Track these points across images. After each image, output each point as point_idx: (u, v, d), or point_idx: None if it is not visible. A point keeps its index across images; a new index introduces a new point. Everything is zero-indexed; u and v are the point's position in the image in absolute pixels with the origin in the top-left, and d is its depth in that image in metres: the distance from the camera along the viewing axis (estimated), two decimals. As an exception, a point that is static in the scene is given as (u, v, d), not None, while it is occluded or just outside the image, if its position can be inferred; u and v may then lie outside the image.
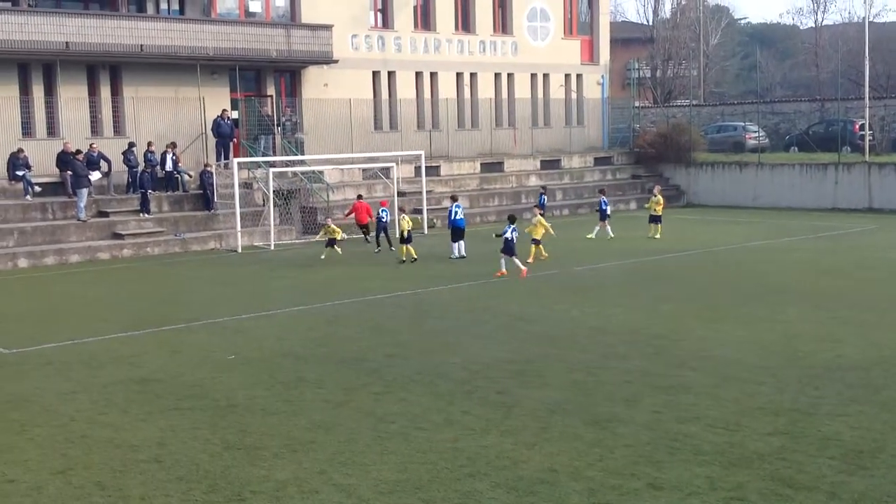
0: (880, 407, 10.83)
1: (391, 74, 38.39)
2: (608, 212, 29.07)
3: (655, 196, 29.04)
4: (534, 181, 39.58)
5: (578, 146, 43.86)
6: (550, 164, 41.32)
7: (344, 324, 16.53)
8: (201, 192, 30.08)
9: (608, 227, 28.67)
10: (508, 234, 21.36)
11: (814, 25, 73.67)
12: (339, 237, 25.66)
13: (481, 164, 39.37)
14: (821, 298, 17.88)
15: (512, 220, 22.06)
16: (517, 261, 21.40)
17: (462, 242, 24.77)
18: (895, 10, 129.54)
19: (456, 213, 24.98)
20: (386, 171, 32.90)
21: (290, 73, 35.79)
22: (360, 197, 29.37)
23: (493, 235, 22.59)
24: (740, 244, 27.07)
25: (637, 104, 50.71)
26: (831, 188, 37.27)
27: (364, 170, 34.49)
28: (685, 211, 38.70)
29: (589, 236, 28.47)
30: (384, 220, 26.54)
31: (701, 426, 10.27)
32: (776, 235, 29.02)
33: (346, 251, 27.07)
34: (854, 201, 36.42)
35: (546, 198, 31.32)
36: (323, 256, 25.11)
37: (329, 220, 26.70)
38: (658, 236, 28.02)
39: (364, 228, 28.35)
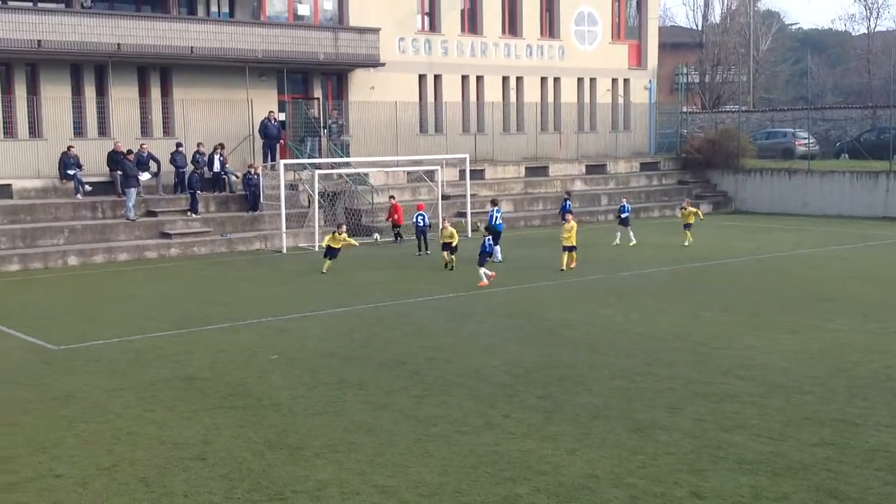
0: (930, 419, 10.62)
1: (437, 78, 38.47)
2: (623, 216, 29.15)
3: (685, 209, 28.83)
4: (579, 186, 39.40)
5: (624, 151, 43.60)
6: (596, 169, 41.11)
7: (386, 326, 16.58)
8: (246, 193, 30.38)
9: (619, 233, 28.69)
10: (486, 244, 21.50)
11: (866, 31, 72.50)
12: (353, 243, 23.62)
13: (526, 168, 39.28)
14: (870, 308, 17.57)
15: (489, 230, 22.22)
16: (483, 270, 21.05)
17: (497, 247, 24.72)
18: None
19: (496, 217, 25.04)
20: (430, 175, 32.95)
21: (336, 75, 36.03)
22: (392, 198, 29.68)
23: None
24: (788, 252, 26.70)
25: (685, 109, 50.27)
26: (882, 196, 36.62)
27: (409, 173, 34.59)
28: (732, 217, 38.25)
29: (615, 243, 28.21)
30: (422, 224, 26.67)
31: (746, 435, 10.14)
32: (825, 243, 28.59)
33: (387, 253, 27.18)
34: (906, 210, 35.76)
35: (571, 203, 30.17)
36: (325, 270, 22.94)
37: (343, 226, 24.19)
38: (686, 243, 27.78)
39: (399, 229, 28.81)
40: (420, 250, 26.62)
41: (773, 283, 21.04)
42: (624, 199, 30.46)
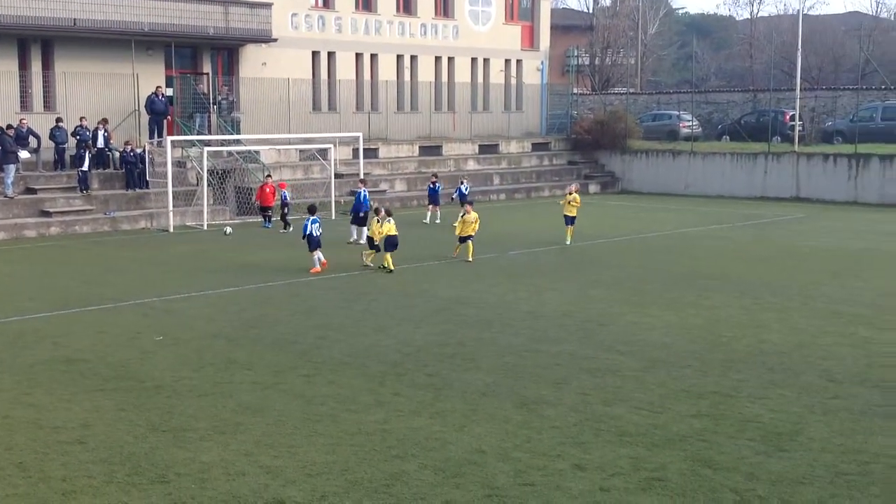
0: (799, 390, 11.13)
1: (331, 55, 38.11)
2: (461, 195, 29.17)
3: (572, 194, 24.61)
4: (472, 165, 39.70)
5: (517, 131, 44.09)
6: (488, 149, 41.46)
7: (276, 305, 16.43)
8: (125, 170, 29.41)
9: (438, 212, 28.84)
10: (310, 229, 19.63)
11: (749, 17, 74.94)
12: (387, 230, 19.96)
13: (420, 147, 39.34)
14: (747, 285, 18.27)
15: (312, 210, 20.30)
16: (319, 254, 19.78)
17: (364, 229, 23.54)
18: (828, 4, 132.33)
19: (363, 197, 24.30)
20: (323, 153, 32.69)
21: (227, 51, 35.30)
22: (268, 176, 29.22)
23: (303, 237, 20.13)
24: (671, 231, 27.49)
25: (575, 91, 51.10)
26: (761, 177, 38.05)
27: (301, 151, 34.22)
28: (620, 197, 39.17)
29: (424, 221, 28.54)
30: (286, 199, 27.20)
31: (626, 408, 10.45)
32: (706, 223, 29.55)
33: (274, 234, 26.90)
34: (782, 190, 37.26)
35: (441, 187, 29.92)
36: (371, 262, 20.36)
37: (382, 210, 20.77)
38: (569, 241, 24.11)
39: (268, 211, 28.41)
40: (287, 227, 26.87)
41: (656, 261, 21.65)
42: (464, 180, 30.76)
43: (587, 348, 13.25)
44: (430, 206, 29.73)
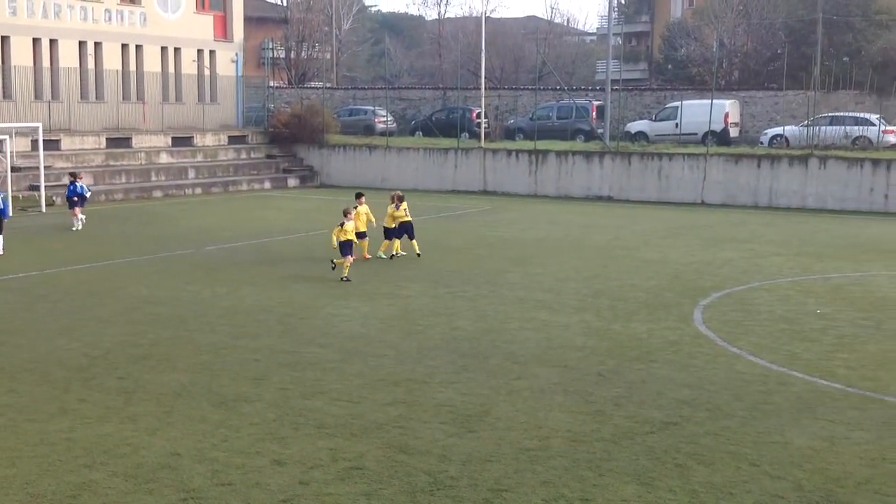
0: (487, 374, 11.79)
1: (4, 39, 35.26)
2: (77, 199, 25.29)
3: (403, 202, 21.20)
4: (165, 158, 38.26)
5: (212, 124, 43.02)
6: (182, 142, 40.14)
7: (-57, 311, 14.97)
8: None
9: (79, 215, 25.28)
10: None
11: (437, 17, 78.09)
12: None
13: (107, 139, 37.31)
14: (440, 274, 19.04)
15: None
16: None
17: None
18: (509, 7, 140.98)
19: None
20: (-3, 144, 30.13)
21: None
22: None
23: None
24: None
25: (272, 84, 50.74)
26: (451, 171, 39.82)
27: (-30, 142, 31.30)
28: (318, 191, 39.42)
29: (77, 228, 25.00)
30: None
31: (325, 400, 10.57)
32: (402, 216, 30.41)
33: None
34: (471, 184, 39.22)
35: (84, 187, 25.85)
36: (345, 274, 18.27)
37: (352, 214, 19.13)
38: (400, 252, 21.19)
39: None
40: None
41: (354, 253, 21.94)
42: (80, 177, 26.14)
43: (287, 342, 13.23)
44: (74, 210, 25.13)
